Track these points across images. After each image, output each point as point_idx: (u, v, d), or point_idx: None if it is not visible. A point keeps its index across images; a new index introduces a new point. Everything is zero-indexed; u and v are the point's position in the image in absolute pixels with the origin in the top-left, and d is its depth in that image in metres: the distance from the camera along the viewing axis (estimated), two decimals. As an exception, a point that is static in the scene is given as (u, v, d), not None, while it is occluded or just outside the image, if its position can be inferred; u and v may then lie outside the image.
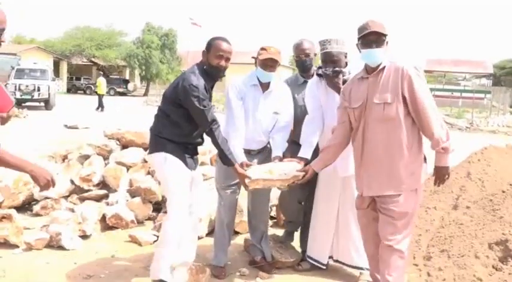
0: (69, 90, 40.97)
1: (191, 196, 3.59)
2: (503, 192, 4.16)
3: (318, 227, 3.90)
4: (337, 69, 3.59)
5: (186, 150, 3.51)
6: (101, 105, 23.11)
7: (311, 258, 4.00)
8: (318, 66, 3.81)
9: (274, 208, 5.41)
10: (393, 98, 3.03)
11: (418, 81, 3.02)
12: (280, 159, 3.77)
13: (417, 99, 3.00)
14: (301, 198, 4.26)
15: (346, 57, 3.63)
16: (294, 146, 3.99)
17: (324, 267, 3.94)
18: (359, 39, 3.15)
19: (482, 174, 4.61)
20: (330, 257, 3.95)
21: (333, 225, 3.82)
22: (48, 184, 2.69)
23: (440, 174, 3.11)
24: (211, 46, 3.45)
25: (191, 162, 3.54)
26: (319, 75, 3.77)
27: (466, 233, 3.91)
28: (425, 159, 3.20)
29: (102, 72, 26.45)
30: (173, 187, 3.47)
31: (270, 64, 3.73)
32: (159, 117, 3.56)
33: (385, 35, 3.09)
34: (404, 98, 3.02)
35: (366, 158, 3.18)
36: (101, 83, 24.33)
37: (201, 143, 3.61)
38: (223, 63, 3.45)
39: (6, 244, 4.30)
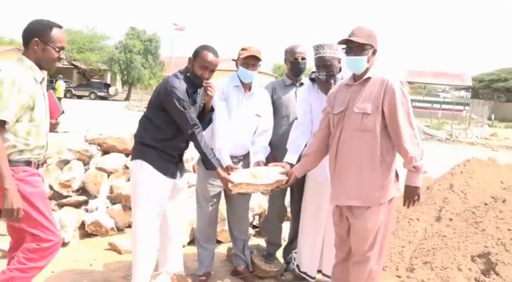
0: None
1: (169, 204, 3.53)
2: (486, 204, 4.18)
3: (306, 239, 3.86)
4: (330, 73, 3.58)
5: (169, 157, 3.44)
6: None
7: (300, 271, 3.94)
8: (312, 71, 3.81)
9: (256, 217, 5.38)
10: (373, 110, 2.98)
11: (401, 97, 2.95)
12: (264, 164, 3.75)
13: (396, 115, 2.94)
14: (283, 218, 4.23)
15: (339, 62, 3.61)
16: (274, 150, 4.00)
17: (313, 280, 3.90)
18: (341, 44, 3.12)
19: (464, 186, 4.64)
20: (319, 271, 3.90)
21: (321, 237, 3.78)
22: (11, 212, 2.65)
23: (409, 194, 3.02)
24: (198, 55, 3.41)
25: (174, 169, 3.47)
26: (312, 79, 3.76)
27: (449, 245, 3.92)
28: (397, 176, 3.14)
29: (61, 76, 26.30)
30: (139, 196, 3.41)
31: (251, 62, 3.72)
32: (142, 122, 3.51)
33: (367, 44, 3.02)
34: (383, 112, 2.97)
35: (338, 166, 3.13)
36: (60, 85, 24.10)
37: (185, 148, 3.55)
38: (206, 75, 3.42)
39: (-20, 251, 4.17)
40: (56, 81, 24.34)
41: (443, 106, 40.02)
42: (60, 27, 2.89)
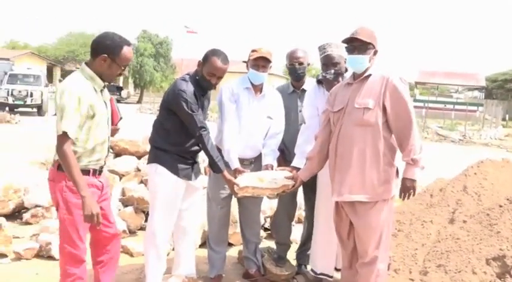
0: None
1: (184, 204, 3.55)
2: (500, 206, 4.11)
3: (320, 240, 3.82)
4: (337, 72, 3.57)
5: (183, 160, 3.46)
6: None
7: (315, 273, 3.91)
8: (318, 74, 3.79)
9: (268, 219, 5.36)
10: (374, 105, 3.02)
11: (401, 92, 3.02)
12: (272, 167, 3.74)
13: (397, 110, 3.00)
14: (292, 217, 4.21)
15: (345, 62, 3.59)
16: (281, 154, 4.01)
17: (331, 279, 3.88)
18: (345, 43, 3.16)
19: (478, 188, 4.56)
20: (337, 269, 3.87)
21: (335, 236, 3.76)
22: (91, 218, 2.78)
23: (405, 187, 3.07)
24: (208, 61, 3.41)
25: (188, 172, 3.48)
26: (319, 82, 3.74)
27: (463, 247, 3.86)
28: (397, 172, 3.18)
29: (60, 79, 26.86)
30: (157, 200, 3.46)
31: (261, 64, 3.71)
32: (155, 126, 3.55)
33: (370, 44, 3.07)
34: (384, 107, 3.02)
35: (339, 163, 3.14)
36: None
37: (198, 150, 3.55)
38: (214, 80, 3.43)
39: (-6, 253, 4.21)
40: (51, 84, 24.61)
41: (457, 107, 39.72)
42: (129, 44, 2.98)
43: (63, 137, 2.74)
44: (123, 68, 2.96)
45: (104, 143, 3.00)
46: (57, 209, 2.96)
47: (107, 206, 3.15)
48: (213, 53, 3.43)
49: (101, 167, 3.04)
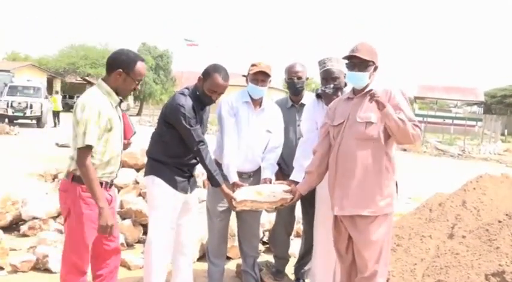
0: (62, 108, 40.82)
1: (182, 220, 3.54)
2: (500, 222, 4.09)
3: (320, 254, 3.79)
4: (337, 86, 3.58)
5: (180, 173, 3.46)
6: (56, 122, 23.69)
7: None
8: (317, 88, 3.80)
9: (266, 233, 5.34)
10: (377, 119, 3.03)
11: (403, 101, 3.06)
12: (271, 181, 3.73)
13: (399, 107, 3.01)
14: (290, 231, 4.20)
15: (345, 77, 3.60)
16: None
17: None
18: (346, 60, 3.17)
19: (477, 203, 4.55)
20: None
21: (334, 253, 3.74)
22: (105, 228, 2.88)
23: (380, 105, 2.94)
24: (209, 77, 3.42)
25: (185, 185, 3.48)
26: (318, 96, 3.75)
27: (462, 263, 3.83)
28: (396, 186, 3.19)
29: (57, 91, 27.26)
30: (155, 212, 3.46)
31: (261, 78, 3.72)
32: (153, 138, 3.56)
33: (370, 61, 3.09)
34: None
35: (341, 177, 3.13)
36: (56, 100, 24.64)
37: (195, 164, 3.55)
38: (215, 97, 3.46)
39: (-9, 266, 4.18)
40: (51, 95, 24.90)
41: (456, 121, 39.71)
42: (143, 60, 3.09)
43: (85, 150, 2.84)
44: (137, 82, 3.05)
45: (118, 157, 3.08)
46: (65, 219, 3.01)
47: (114, 220, 3.15)
48: (215, 69, 3.44)
49: (112, 180, 3.11)
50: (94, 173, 2.87)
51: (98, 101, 2.91)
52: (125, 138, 3.26)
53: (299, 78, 3.98)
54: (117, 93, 3.04)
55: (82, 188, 2.92)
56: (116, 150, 3.04)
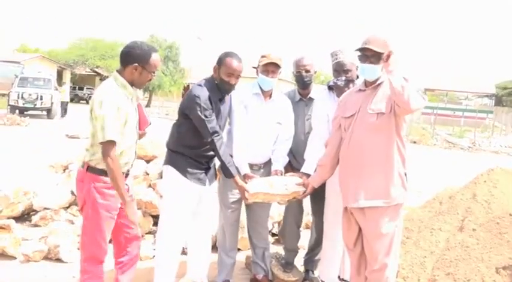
0: (71, 100, 40.98)
1: (198, 210, 3.57)
2: (510, 215, 4.07)
3: (328, 246, 3.81)
4: (349, 78, 3.56)
5: (196, 164, 3.49)
6: (64, 112, 23.92)
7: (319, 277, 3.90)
8: (329, 80, 3.79)
9: (276, 225, 5.35)
10: (388, 109, 3.03)
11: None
12: (282, 173, 3.73)
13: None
14: (299, 222, 4.20)
15: (357, 69, 3.58)
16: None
17: None
18: (358, 52, 3.15)
19: (488, 196, 4.52)
20: (341, 278, 3.85)
21: (342, 245, 3.74)
22: (134, 221, 3.10)
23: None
24: (223, 63, 3.47)
25: (201, 176, 3.50)
26: (329, 88, 3.73)
27: (472, 256, 3.83)
28: (406, 177, 3.19)
29: (65, 82, 27.70)
30: (166, 200, 3.53)
31: (271, 69, 3.72)
32: (172, 130, 3.60)
33: (382, 53, 3.03)
34: (395, 111, 2.99)
35: (353, 169, 3.13)
36: (64, 90, 24.93)
37: (213, 156, 3.57)
38: (233, 81, 3.47)
39: (3, 255, 4.25)
40: (61, 86, 25.18)
41: (466, 114, 39.44)
42: (156, 51, 3.12)
43: (108, 144, 2.89)
44: (153, 74, 3.08)
45: (131, 147, 3.14)
46: (81, 209, 3.08)
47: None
48: (226, 54, 3.50)
49: (128, 170, 3.17)
50: (118, 168, 2.93)
51: (115, 96, 2.95)
52: (140, 128, 3.31)
53: (307, 71, 3.96)
54: (133, 86, 3.08)
55: (96, 178, 2.98)
56: (128, 142, 3.07)
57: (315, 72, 4.06)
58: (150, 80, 3.11)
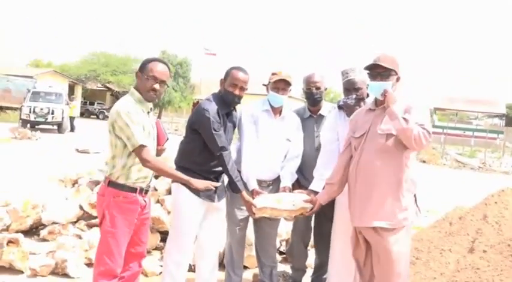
0: (82, 115, 41.29)
1: (205, 226, 3.57)
2: (522, 237, 4.03)
3: (337, 263, 3.75)
4: (359, 97, 3.57)
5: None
6: (72, 127, 23.99)
7: None
8: (339, 99, 3.80)
9: (283, 243, 5.31)
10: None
11: (418, 107, 3.03)
12: (290, 190, 3.72)
13: (416, 118, 2.97)
14: (307, 241, 4.17)
15: (367, 88, 3.58)
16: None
17: None
18: (368, 70, 3.17)
19: (499, 217, 4.47)
20: None
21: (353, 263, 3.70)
22: (208, 190, 3.28)
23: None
24: (228, 75, 3.53)
25: (210, 193, 3.48)
26: (339, 107, 3.74)
27: (483, 278, 3.77)
28: (415, 199, 3.18)
29: (74, 96, 28.23)
30: (176, 219, 3.52)
31: (282, 87, 3.74)
32: (180, 147, 3.62)
33: (392, 70, 3.08)
34: None
35: (360, 188, 3.12)
36: (75, 106, 25.19)
37: (222, 172, 3.58)
38: (237, 92, 3.49)
39: (11, 269, 4.24)
40: (72, 101, 25.43)
41: (476, 134, 39.23)
42: (160, 61, 3.16)
43: (141, 150, 2.95)
44: (151, 79, 3.07)
45: None
46: (100, 223, 3.11)
47: (144, 226, 3.27)
48: (232, 67, 3.57)
49: (148, 186, 3.20)
50: (162, 164, 3.05)
51: (131, 107, 3.03)
52: (158, 144, 3.34)
53: (317, 88, 3.97)
54: (145, 99, 3.12)
55: (117, 193, 3.02)
56: None
57: (326, 89, 4.06)
58: (155, 90, 3.08)
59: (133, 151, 2.96)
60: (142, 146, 2.95)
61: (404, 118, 2.93)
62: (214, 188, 3.27)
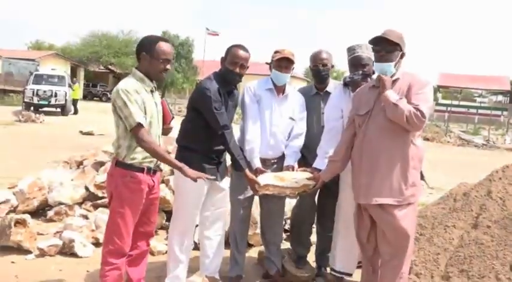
0: (85, 97, 41.30)
1: (209, 205, 3.60)
2: (526, 212, 4.04)
3: (342, 237, 3.79)
4: (366, 73, 3.55)
5: (207, 160, 3.49)
6: (75, 110, 24.14)
7: (335, 271, 3.89)
8: (345, 76, 3.78)
9: (288, 221, 5.34)
10: None
11: (421, 87, 3.03)
12: (293, 168, 3.73)
13: (410, 96, 2.98)
14: (312, 218, 4.19)
15: (373, 64, 3.57)
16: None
17: (351, 278, 3.86)
18: (371, 44, 3.15)
19: (503, 193, 4.47)
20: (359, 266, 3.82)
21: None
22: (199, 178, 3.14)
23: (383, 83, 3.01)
24: (229, 53, 3.51)
25: (213, 172, 3.49)
26: (345, 84, 3.72)
27: (487, 253, 3.80)
28: (422, 176, 3.20)
29: (75, 79, 28.34)
30: (179, 198, 3.53)
31: (284, 65, 3.73)
32: (181, 126, 3.61)
33: (397, 45, 3.05)
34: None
35: (366, 166, 3.12)
36: (77, 88, 25.29)
37: (224, 150, 3.57)
38: (237, 69, 3.48)
39: (19, 249, 4.30)
40: (74, 84, 25.40)
41: (480, 111, 39.09)
42: (165, 40, 3.11)
43: (137, 129, 2.94)
44: (163, 62, 3.07)
45: (155, 141, 3.13)
46: (109, 202, 3.14)
47: (153, 205, 3.29)
48: (233, 45, 3.55)
49: (156, 166, 3.19)
50: (157, 147, 3.00)
51: (131, 85, 3.01)
52: (164, 123, 3.33)
53: (324, 65, 3.95)
54: (150, 78, 3.12)
55: (124, 173, 3.03)
56: (152, 135, 3.10)
57: (332, 67, 4.05)
58: (165, 70, 3.09)
59: (131, 131, 2.96)
60: (139, 125, 2.93)
61: (394, 104, 2.93)
62: (206, 180, 3.23)
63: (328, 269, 4.11)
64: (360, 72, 3.57)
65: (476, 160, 14.54)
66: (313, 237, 4.34)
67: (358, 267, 3.83)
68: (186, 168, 3.07)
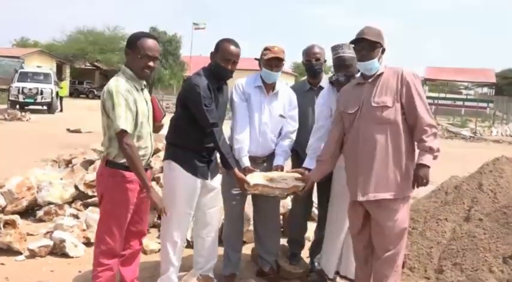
0: (71, 94, 40.85)
1: (201, 203, 3.55)
2: (517, 204, 4.07)
3: (329, 238, 3.81)
4: (349, 74, 3.54)
5: (198, 157, 3.44)
6: (61, 108, 24.00)
7: (320, 266, 3.90)
8: (332, 74, 3.76)
9: (280, 217, 5.33)
10: (392, 102, 3.04)
11: (417, 87, 3.06)
12: (282, 169, 3.70)
13: (414, 107, 3.02)
14: (307, 215, 4.18)
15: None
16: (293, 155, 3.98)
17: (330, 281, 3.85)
18: (353, 44, 3.17)
19: (494, 185, 4.51)
20: (337, 272, 3.83)
21: (343, 237, 3.71)
22: (158, 208, 3.10)
23: (421, 173, 3.00)
24: (220, 48, 3.41)
25: (204, 170, 3.46)
26: (331, 83, 3.71)
27: (479, 246, 3.83)
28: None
29: (64, 76, 28.07)
30: (170, 197, 3.44)
31: (275, 64, 3.67)
32: (171, 123, 3.54)
33: (377, 43, 3.07)
34: (402, 103, 3.04)
35: (362, 163, 3.12)
36: (65, 85, 25.22)
37: (214, 148, 3.51)
38: (229, 66, 3.41)
39: (9, 250, 4.24)
40: (62, 81, 25.18)
41: (466, 103, 39.39)
42: (149, 37, 3.05)
43: (121, 134, 2.89)
44: (144, 57, 2.99)
45: (146, 139, 3.12)
46: (100, 202, 3.10)
47: (145, 204, 3.25)
48: (224, 40, 3.45)
49: (147, 164, 3.17)
50: (135, 155, 2.93)
51: (123, 86, 2.95)
52: (155, 120, 3.30)
53: (317, 59, 3.92)
54: (137, 76, 3.06)
55: (115, 172, 2.99)
56: (143, 135, 3.07)
57: (325, 61, 4.02)
58: (148, 66, 3.01)
59: (116, 134, 2.91)
60: (123, 131, 2.88)
61: (434, 159, 3.04)
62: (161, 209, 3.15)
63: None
64: (343, 73, 3.56)
65: (465, 152, 14.66)
66: (308, 233, 4.33)
67: (341, 276, 3.82)
68: (152, 190, 3.02)
